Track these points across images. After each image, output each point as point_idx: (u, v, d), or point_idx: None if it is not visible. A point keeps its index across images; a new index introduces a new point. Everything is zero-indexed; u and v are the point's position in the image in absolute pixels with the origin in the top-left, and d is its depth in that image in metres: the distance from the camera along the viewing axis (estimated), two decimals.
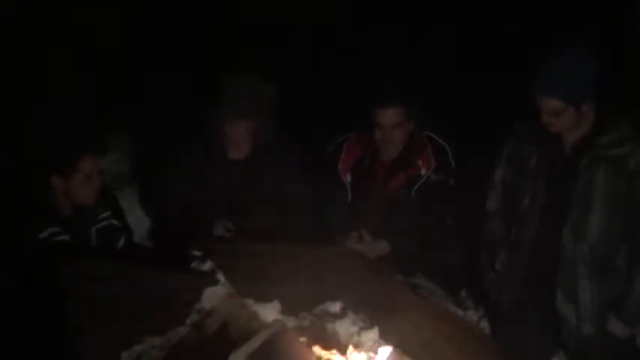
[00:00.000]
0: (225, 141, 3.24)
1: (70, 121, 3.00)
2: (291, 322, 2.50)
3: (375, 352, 2.32)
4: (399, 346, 2.42)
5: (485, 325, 2.98)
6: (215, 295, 2.55)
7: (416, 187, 3.25)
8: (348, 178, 3.34)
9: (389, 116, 3.19)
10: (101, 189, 2.83)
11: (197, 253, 2.68)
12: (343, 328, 2.50)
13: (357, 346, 2.39)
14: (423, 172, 3.25)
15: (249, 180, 3.22)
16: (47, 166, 2.72)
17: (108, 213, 2.89)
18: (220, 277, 2.60)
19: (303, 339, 2.36)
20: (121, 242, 2.92)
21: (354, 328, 2.51)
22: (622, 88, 3.13)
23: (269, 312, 2.53)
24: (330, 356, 2.29)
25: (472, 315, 3.04)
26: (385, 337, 2.47)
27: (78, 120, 3.11)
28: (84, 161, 2.71)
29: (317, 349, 2.30)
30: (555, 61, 2.62)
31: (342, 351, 2.34)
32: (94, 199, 2.79)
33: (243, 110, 3.13)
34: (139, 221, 3.48)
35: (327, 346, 2.34)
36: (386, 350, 2.28)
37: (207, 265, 2.65)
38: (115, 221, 2.91)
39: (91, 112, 3.67)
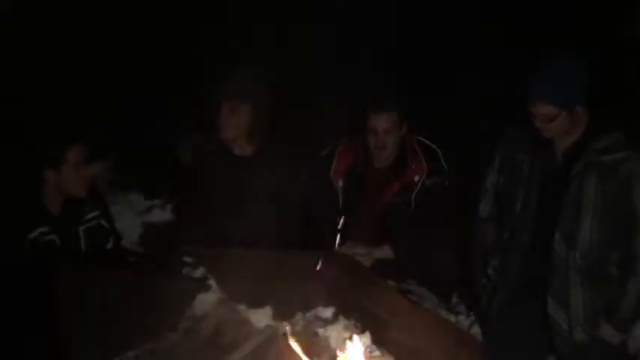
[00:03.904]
0: (226, 138, 3.24)
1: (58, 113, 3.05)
2: (282, 328, 2.50)
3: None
4: (391, 352, 2.43)
5: (476, 330, 2.99)
6: (207, 301, 2.55)
7: (414, 194, 3.26)
8: (340, 183, 3.34)
9: (383, 121, 3.20)
10: (92, 185, 2.86)
11: (189, 259, 2.69)
12: (335, 333, 2.50)
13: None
14: (416, 178, 3.25)
15: (252, 178, 3.22)
16: (38, 160, 2.76)
17: (96, 213, 2.91)
18: (212, 283, 2.61)
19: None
20: (110, 244, 2.94)
21: (346, 334, 2.52)
22: (614, 95, 3.14)
23: (261, 317, 2.53)
24: None
25: (464, 321, 3.05)
26: (377, 343, 2.47)
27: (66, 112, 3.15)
28: (71, 151, 2.75)
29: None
30: (547, 65, 2.63)
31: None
32: (86, 189, 2.82)
33: (241, 91, 3.13)
34: (130, 227, 3.48)
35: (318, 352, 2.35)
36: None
37: (199, 272, 2.66)
38: (103, 222, 2.94)
39: (80, 105, 3.68)
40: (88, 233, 2.86)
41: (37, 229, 2.73)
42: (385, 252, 3.22)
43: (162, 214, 3.88)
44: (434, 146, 3.30)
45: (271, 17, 4.40)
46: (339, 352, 2.41)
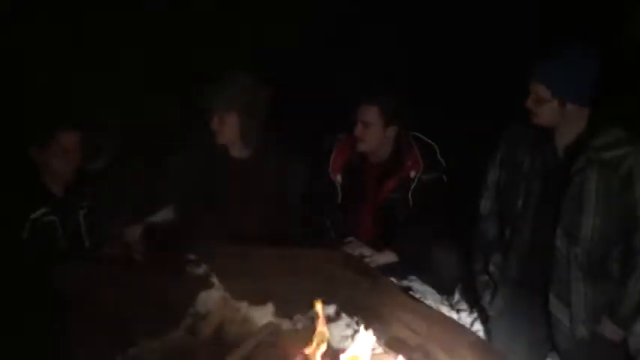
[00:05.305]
0: (221, 143, 3.26)
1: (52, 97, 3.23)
2: (284, 325, 2.51)
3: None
4: (393, 349, 2.43)
5: (478, 327, 2.99)
6: (209, 299, 2.56)
7: (411, 190, 3.26)
8: (338, 178, 3.35)
9: (363, 113, 3.22)
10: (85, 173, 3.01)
11: (192, 256, 2.69)
12: (337, 330, 2.50)
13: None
14: (412, 174, 3.26)
15: (250, 179, 3.23)
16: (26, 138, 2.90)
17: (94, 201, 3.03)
18: (214, 280, 2.61)
19: None
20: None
21: (349, 331, 2.52)
22: (614, 95, 3.14)
23: (263, 315, 2.53)
24: None
25: (465, 317, 3.05)
26: (379, 340, 2.47)
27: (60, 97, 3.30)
28: (59, 134, 2.86)
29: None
30: (557, 55, 2.64)
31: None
32: (70, 173, 2.94)
33: (225, 101, 3.18)
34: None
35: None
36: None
37: (202, 269, 2.66)
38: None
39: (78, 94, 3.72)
40: (87, 219, 2.99)
41: (40, 208, 2.85)
42: (388, 257, 3.23)
43: (162, 214, 3.88)
44: (430, 142, 3.31)
45: (271, 17, 4.39)
46: (341, 350, 2.41)
